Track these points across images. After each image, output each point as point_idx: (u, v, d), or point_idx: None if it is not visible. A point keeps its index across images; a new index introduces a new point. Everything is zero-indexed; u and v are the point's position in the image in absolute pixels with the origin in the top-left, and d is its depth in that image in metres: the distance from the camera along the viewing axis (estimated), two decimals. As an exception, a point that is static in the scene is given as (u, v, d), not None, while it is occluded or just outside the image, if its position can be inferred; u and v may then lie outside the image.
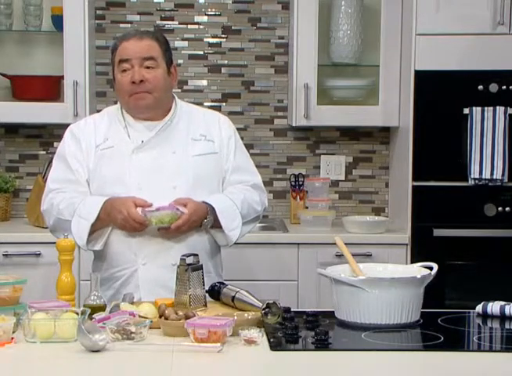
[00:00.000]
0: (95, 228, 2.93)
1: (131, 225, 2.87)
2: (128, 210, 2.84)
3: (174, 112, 3.05)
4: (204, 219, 2.93)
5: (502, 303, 2.68)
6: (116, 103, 3.14)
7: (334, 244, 2.81)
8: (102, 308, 2.61)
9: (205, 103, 4.42)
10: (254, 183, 3.11)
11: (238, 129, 3.24)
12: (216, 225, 2.97)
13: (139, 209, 2.85)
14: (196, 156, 3.01)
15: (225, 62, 4.60)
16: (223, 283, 2.77)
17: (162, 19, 4.60)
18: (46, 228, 4.15)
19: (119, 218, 2.86)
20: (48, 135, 4.59)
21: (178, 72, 3.13)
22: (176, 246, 2.93)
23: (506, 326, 2.61)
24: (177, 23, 4.61)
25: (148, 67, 2.96)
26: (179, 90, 4.60)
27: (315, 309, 2.78)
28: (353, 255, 2.74)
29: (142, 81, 2.94)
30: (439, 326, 2.57)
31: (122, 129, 3.03)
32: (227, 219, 2.97)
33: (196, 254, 2.75)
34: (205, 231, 2.99)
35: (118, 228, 2.92)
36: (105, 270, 3.00)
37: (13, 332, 2.39)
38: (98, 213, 2.89)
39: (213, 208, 2.95)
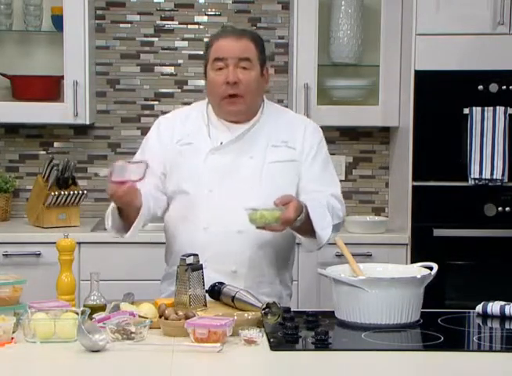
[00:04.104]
0: (125, 214, 2.82)
1: (110, 189, 2.70)
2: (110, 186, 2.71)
3: (260, 116, 2.99)
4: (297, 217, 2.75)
5: (502, 303, 2.68)
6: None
7: (334, 244, 2.81)
8: (102, 308, 2.61)
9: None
10: (331, 193, 2.96)
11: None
12: (302, 228, 2.80)
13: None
14: (272, 163, 2.94)
15: (225, 62, 4.60)
16: (223, 283, 2.77)
17: (162, 19, 4.61)
18: (46, 228, 4.19)
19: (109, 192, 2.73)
20: (48, 135, 4.59)
21: (269, 74, 3.05)
22: (237, 253, 2.90)
23: (506, 326, 2.61)
24: (177, 23, 4.61)
25: (243, 68, 2.90)
26: (179, 90, 4.61)
27: (315, 309, 2.78)
28: (353, 255, 2.74)
29: (235, 82, 2.88)
30: (439, 326, 2.57)
31: (204, 127, 2.98)
32: (318, 218, 2.80)
33: (196, 254, 2.74)
34: (267, 235, 2.86)
35: (117, 203, 2.78)
36: (170, 266, 3.00)
37: (13, 332, 2.39)
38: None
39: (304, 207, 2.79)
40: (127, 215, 2.84)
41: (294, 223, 2.75)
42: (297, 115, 3.23)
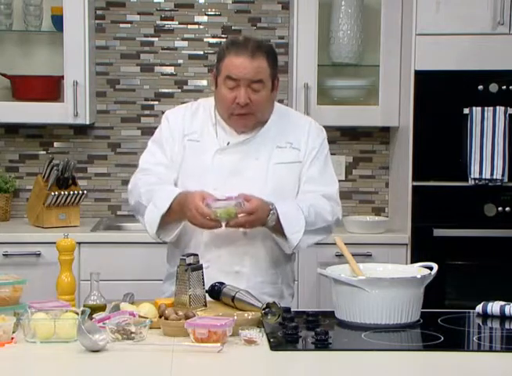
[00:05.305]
0: (168, 219, 2.88)
1: (201, 222, 2.78)
2: (196, 205, 2.76)
3: (268, 121, 2.99)
4: (267, 217, 2.81)
5: (502, 303, 2.68)
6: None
7: (334, 243, 2.81)
8: (102, 308, 2.62)
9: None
10: (325, 193, 2.97)
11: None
12: (276, 228, 2.86)
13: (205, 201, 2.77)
14: (277, 164, 2.95)
15: (225, 62, 4.60)
16: (223, 283, 2.77)
17: (162, 19, 4.60)
18: (46, 228, 4.19)
19: (188, 214, 2.80)
20: (48, 135, 4.59)
21: (279, 82, 3.02)
22: (240, 253, 2.91)
23: (506, 326, 2.61)
24: (177, 23, 4.61)
25: (255, 90, 2.87)
26: (179, 90, 4.61)
27: (315, 309, 2.78)
28: (353, 255, 2.74)
29: (246, 104, 2.87)
30: (439, 326, 2.57)
31: (211, 126, 2.98)
32: (289, 222, 2.84)
33: (196, 254, 2.75)
34: (270, 236, 2.90)
35: (191, 223, 2.85)
36: (172, 266, 2.99)
37: (13, 332, 2.39)
38: (170, 204, 2.84)
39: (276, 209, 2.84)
40: (166, 221, 2.88)
41: (268, 222, 2.81)
42: (301, 115, 3.22)
